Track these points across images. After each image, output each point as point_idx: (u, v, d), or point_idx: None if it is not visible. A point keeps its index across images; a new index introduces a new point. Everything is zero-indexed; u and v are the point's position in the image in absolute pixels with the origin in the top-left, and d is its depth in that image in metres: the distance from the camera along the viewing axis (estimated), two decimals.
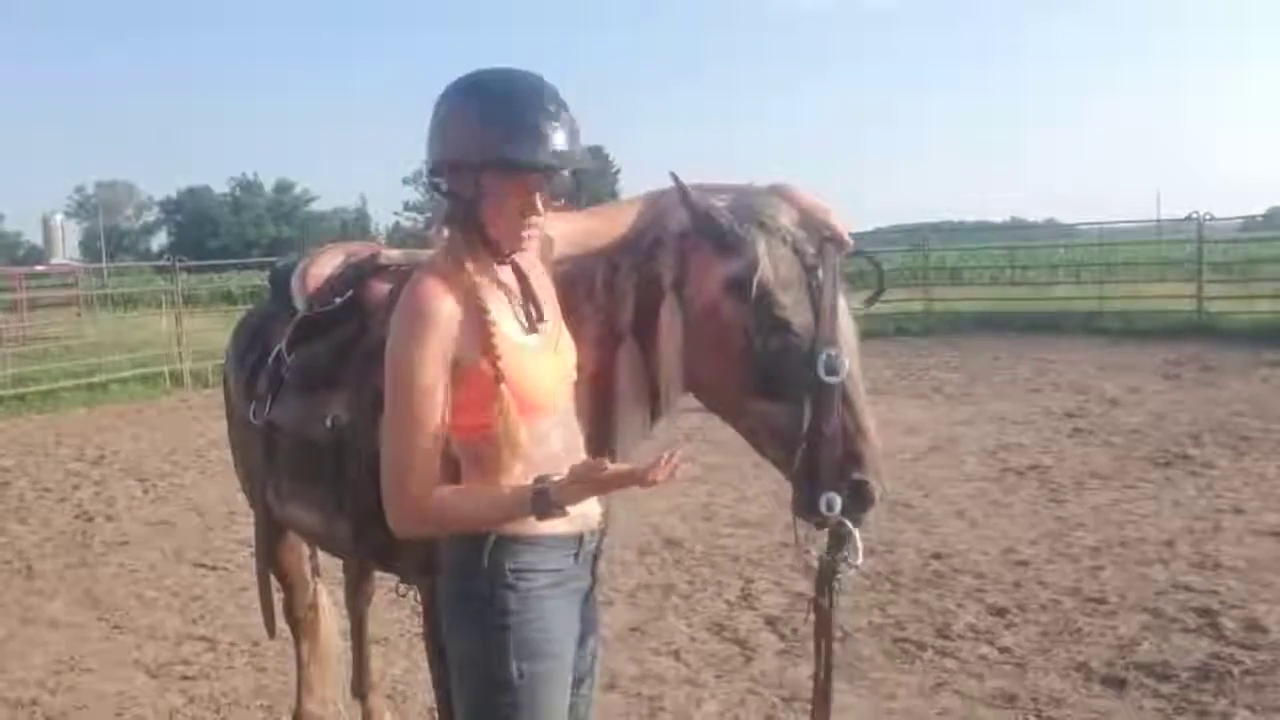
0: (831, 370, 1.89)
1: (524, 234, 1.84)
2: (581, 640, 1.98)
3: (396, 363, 1.78)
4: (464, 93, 1.84)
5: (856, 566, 2.01)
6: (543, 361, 1.88)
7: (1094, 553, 5.49)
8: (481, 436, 1.82)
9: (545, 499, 1.76)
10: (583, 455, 1.89)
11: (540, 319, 1.90)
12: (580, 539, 1.92)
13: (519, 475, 1.83)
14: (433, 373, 1.76)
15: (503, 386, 1.78)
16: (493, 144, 1.77)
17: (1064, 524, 6.06)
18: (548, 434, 1.86)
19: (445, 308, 1.77)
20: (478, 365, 1.79)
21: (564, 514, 1.78)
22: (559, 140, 1.79)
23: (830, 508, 1.91)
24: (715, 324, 1.99)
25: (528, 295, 1.91)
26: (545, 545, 1.86)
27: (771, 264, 1.96)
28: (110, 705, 4.21)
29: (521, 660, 1.82)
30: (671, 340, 1.99)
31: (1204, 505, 6.31)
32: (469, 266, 1.82)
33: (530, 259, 1.96)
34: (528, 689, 1.82)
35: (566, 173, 1.87)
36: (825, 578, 1.99)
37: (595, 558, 2.00)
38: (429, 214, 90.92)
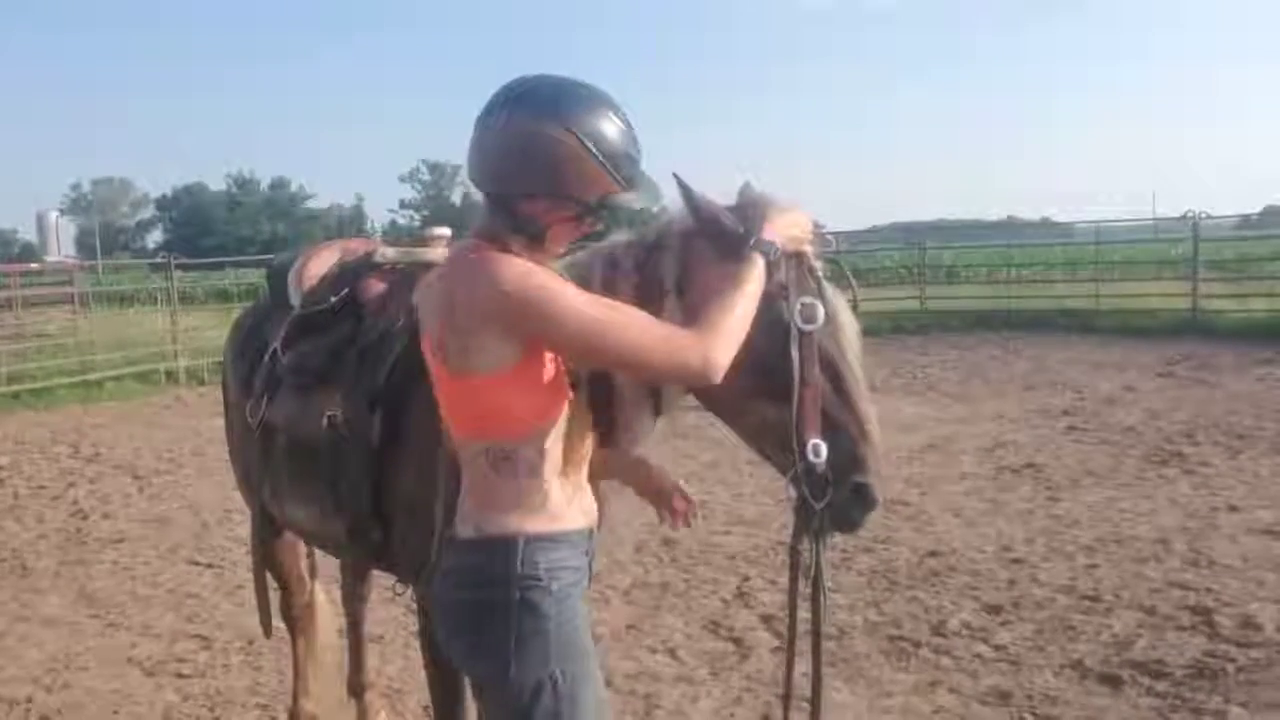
0: (808, 319, 1.91)
1: (568, 246, 1.91)
2: None
3: (545, 294, 1.71)
4: (583, 127, 1.76)
5: (829, 535, 2.01)
6: None
7: (1089, 551, 5.49)
8: (501, 436, 1.81)
9: (769, 245, 1.86)
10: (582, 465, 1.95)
11: None
12: (590, 534, 1.94)
13: (536, 470, 1.84)
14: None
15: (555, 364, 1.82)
16: (601, 185, 1.78)
17: (1059, 522, 6.07)
18: (560, 435, 1.89)
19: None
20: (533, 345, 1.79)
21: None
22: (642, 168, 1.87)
23: (817, 454, 1.90)
24: None
25: None
26: (570, 541, 1.86)
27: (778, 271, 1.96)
28: (105, 703, 4.20)
29: (562, 663, 1.80)
30: None
31: (1199, 503, 6.32)
32: (519, 253, 1.81)
33: None
34: (569, 691, 1.80)
35: None
36: (802, 524, 1.98)
37: (592, 553, 2.02)
38: (425, 212, 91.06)
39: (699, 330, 1.75)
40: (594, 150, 1.75)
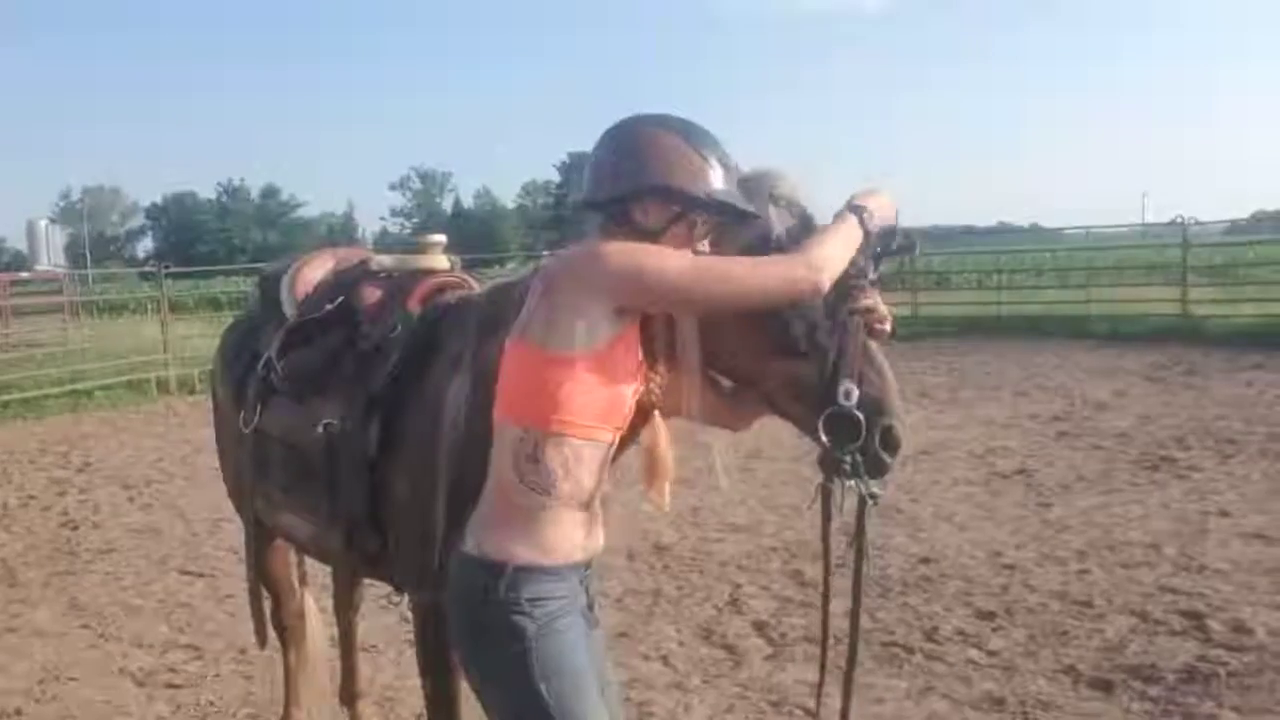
0: (859, 274, 2.00)
1: None
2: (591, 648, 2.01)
3: (649, 249, 1.84)
4: (685, 133, 1.92)
5: (876, 497, 2.03)
6: None
7: (1081, 556, 5.51)
8: (554, 428, 1.84)
9: (864, 213, 1.96)
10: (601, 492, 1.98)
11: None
12: (589, 563, 1.98)
13: (562, 492, 1.87)
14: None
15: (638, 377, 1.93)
16: (720, 183, 1.90)
17: (1051, 527, 6.08)
18: (603, 455, 1.93)
19: None
20: (624, 332, 1.88)
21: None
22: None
23: (848, 398, 1.94)
24: None
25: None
26: (559, 575, 1.90)
27: (784, 229, 2.02)
28: (96, 714, 4.18)
29: (548, 679, 1.86)
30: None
31: (1190, 508, 6.34)
32: None
33: None
34: (558, 703, 1.86)
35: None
36: (833, 467, 2.00)
37: (587, 579, 2.03)
38: (416, 220, 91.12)
39: (799, 252, 1.89)
40: (699, 150, 1.90)
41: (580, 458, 1.86)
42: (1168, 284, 17.96)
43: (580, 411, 1.83)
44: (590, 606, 2.04)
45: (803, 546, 5.80)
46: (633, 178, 1.88)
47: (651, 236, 1.89)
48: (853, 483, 2.00)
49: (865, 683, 4.10)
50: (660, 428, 2.04)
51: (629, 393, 1.92)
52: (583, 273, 1.83)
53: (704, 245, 1.98)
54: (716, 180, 1.89)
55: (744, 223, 1.96)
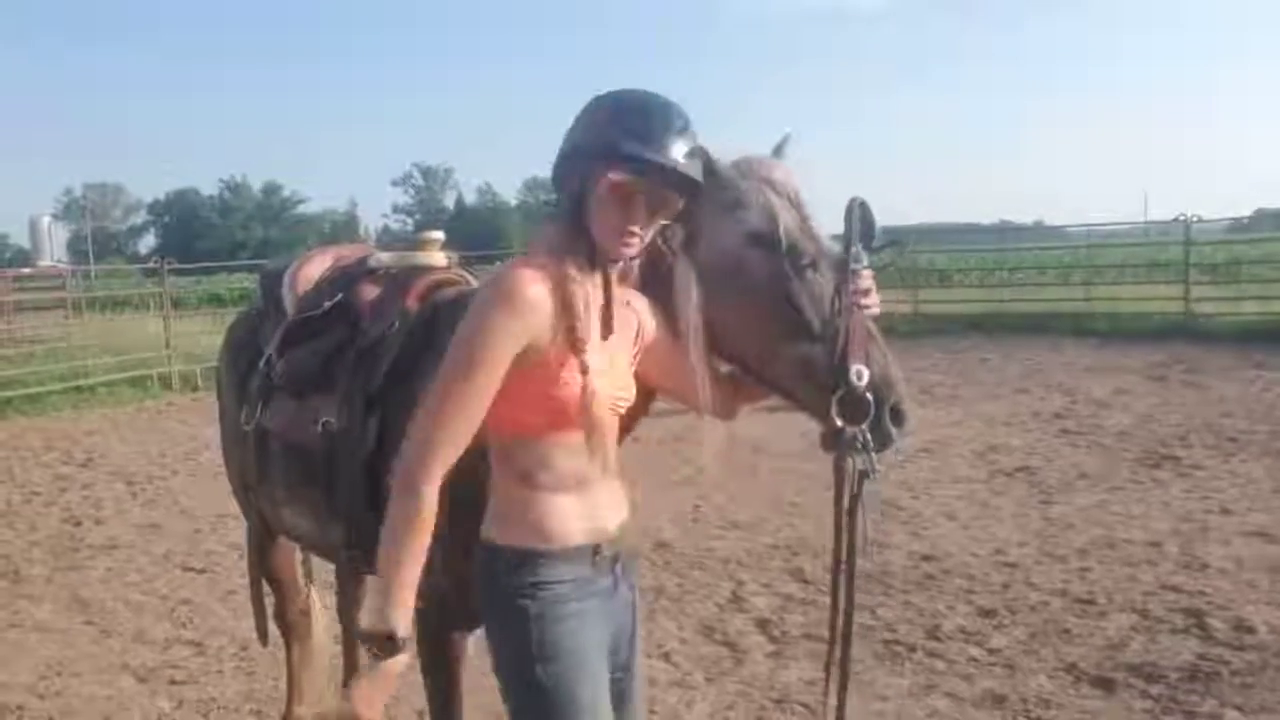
0: (856, 258, 2.00)
1: (622, 241, 1.87)
2: (615, 636, 2.02)
3: (466, 335, 1.80)
4: (602, 97, 1.91)
5: (877, 471, 2.03)
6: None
7: (1082, 554, 5.51)
8: (516, 434, 1.87)
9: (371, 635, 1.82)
10: (609, 480, 1.96)
11: (609, 333, 1.93)
12: (596, 548, 1.95)
13: (544, 483, 1.88)
14: (496, 354, 1.78)
15: (578, 382, 1.84)
16: (609, 137, 1.83)
17: (1052, 525, 6.08)
18: (578, 450, 1.90)
19: (533, 294, 1.80)
20: (545, 357, 1.82)
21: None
22: (673, 152, 1.84)
23: (860, 378, 1.95)
24: (741, 277, 2.01)
25: (608, 307, 1.93)
26: (561, 558, 1.90)
27: (786, 214, 2.03)
28: (99, 710, 4.19)
29: (545, 662, 1.88)
30: (690, 300, 2.00)
31: (1191, 506, 6.35)
32: (568, 263, 1.85)
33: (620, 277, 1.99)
34: (554, 687, 1.88)
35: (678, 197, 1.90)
36: (845, 445, 2.00)
37: (617, 562, 2.01)
38: (418, 216, 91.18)
39: (420, 486, 1.78)
40: (620, 115, 1.85)
41: (550, 455, 1.88)
42: (1170, 282, 17.97)
43: (526, 419, 1.86)
44: (617, 589, 2.02)
45: (804, 544, 5.80)
46: (568, 139, 1.89)
47: (577, 203, 1.86)
48: (861, 459, 2.02)
49: (867, 680, 4.11)
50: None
51: (579, 394, 1.88)
52: (470, 311, 1.83)
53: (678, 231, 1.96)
54: (640, 144, 1.82)
55: (689, 193, 1.91)
